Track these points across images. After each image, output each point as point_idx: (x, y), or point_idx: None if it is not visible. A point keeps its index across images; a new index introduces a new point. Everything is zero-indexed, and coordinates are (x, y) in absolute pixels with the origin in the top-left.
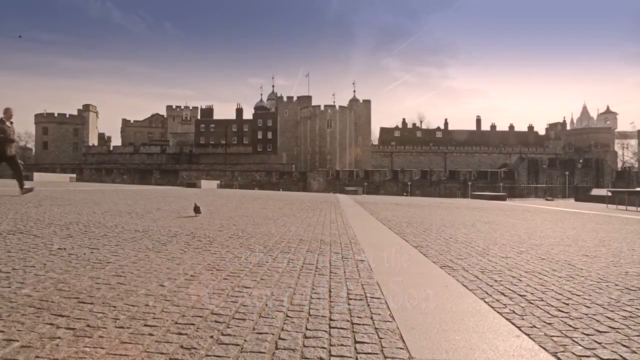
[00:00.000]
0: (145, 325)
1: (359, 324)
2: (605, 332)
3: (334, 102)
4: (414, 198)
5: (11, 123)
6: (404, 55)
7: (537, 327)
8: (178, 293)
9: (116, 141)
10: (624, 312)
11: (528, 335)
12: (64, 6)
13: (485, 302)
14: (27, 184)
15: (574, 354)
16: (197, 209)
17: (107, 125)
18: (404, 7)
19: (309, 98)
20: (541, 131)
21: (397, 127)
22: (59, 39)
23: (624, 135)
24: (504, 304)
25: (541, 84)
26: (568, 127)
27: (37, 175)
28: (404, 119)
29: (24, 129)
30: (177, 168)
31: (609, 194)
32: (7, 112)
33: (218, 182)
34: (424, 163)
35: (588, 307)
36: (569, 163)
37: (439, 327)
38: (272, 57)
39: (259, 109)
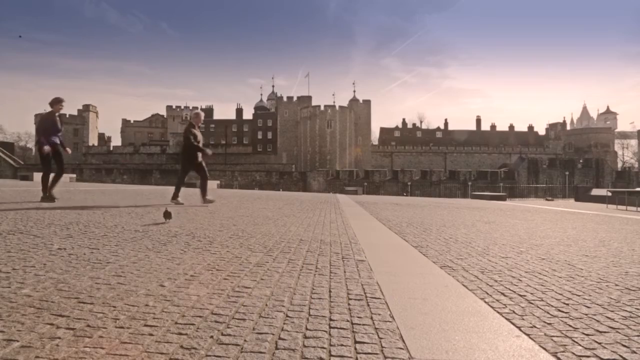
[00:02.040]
0: (145, 325)
1: (359, 324)
2: (605, 332)
3: (334, 102)
4: (414, 198)
5: (198, 128)
6: (404, 56)
7: (537, 327)
8: (178, 293)
9: (116, 141)
10: (624, 312)
11: (528, 335)
12: (59, 7)
13: (485, 302)
14: (28, 184)
15: (574, 354)
16: (167, 214)
17: (107, 125)
18: (404, 7)
19: (309, 98)
20: (541, 131)
21: (397, 127)
22: (58, 39)
23: (624, 135)
24: (504, 304)
25: (541, 84)
26: (568, 127)
27: (37, 176)
28: (404, 119)
29: (24, 129)
30: (177, 168)
31: (609, 194)
32: (198, 117)
33: (218, 182)
34: (424, 163)
35: (588, 307)
36: (569, 163)
37: (439, 327)
38: (272, 57)
39: (259, 109)
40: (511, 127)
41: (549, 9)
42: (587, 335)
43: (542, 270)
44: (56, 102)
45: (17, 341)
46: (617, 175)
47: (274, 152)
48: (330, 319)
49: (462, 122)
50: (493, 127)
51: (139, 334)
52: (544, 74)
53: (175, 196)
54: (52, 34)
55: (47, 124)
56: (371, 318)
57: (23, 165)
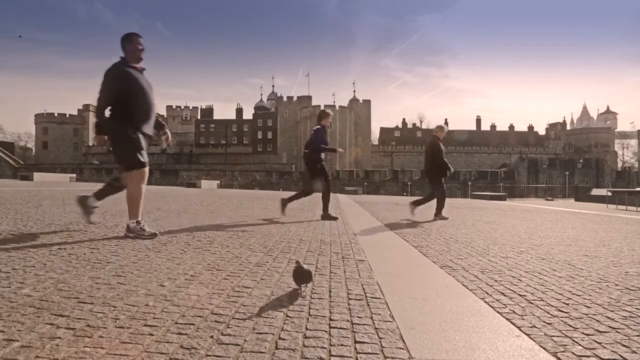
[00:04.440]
0: (145, 325)
1: (359, 324)
2: (605, 332)
3: (334, 102)
4: (414, 198)
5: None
6: (404, 56)
7: (537, 327)
8: (178, 293)
9: None
10: (624, 312)
11: (528, 335)
12: (56, 7)
13: (485, 302)
14: (28, 184)
15: (574, 354)
16: (303, 275)
17: None
18: (404, 7)
19: (309, 98)
20: (541, 131)
21: (397, 127)
22: (58, 39)
23: (624, 135)
24: (504, 304)
25: (541, 84)
26: (568, 127)
27: (37, 176)
28: (404, 119)
29: (24, 129)
30: (177, 168)
31: (609, 194)
32: (443, 130)
33: (218, 182)
34: (424, 163)
35: (588, 307)
36: (569, 163)
37: (439, 327)
38: (272, 57)
39: (259, 109)
40: (511, 127)
41: (549, 9)
42: (587, 335)
43: (542, 270)
44: (326, 116)
45: (17, 341)
46: (617, 175)
47: (274, 152)
48: (330, 319)
49: (462, 122)
50: (493, 127)
51: (139, 334)
52: (544, 74)
53: (439, 211)
54: (52, 34)
55: (323, 139)
56: (371, 318)
57: (23, 165)
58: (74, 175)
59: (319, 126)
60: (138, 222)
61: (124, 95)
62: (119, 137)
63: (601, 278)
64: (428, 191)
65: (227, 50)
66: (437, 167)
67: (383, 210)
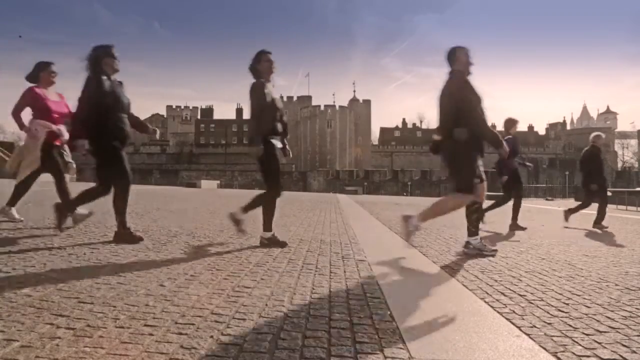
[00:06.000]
0: (145, 325)
1: (359, 324)
2: (605, 332)
3: (334, 102)
4: (414, 198)
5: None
6: (404, 56)
7: (537, 327)
8: (178, 293)
9: None
10: (624, 312)
11: (528, 335)
12: (53, 7)
13: (485, 302)
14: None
15: (574, 354)
16: None
17: None
18: (404, 7)
19: (309, 98)
20: (541, 131)
21: (397, 127)
22: (58, 39)
23: (624, 135)
24: (504, 304)
25: (541, 84)
26: (568, 127)
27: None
28: (404, 119)
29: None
30: (177, 168)
31: (609, 194)
32: (600, 139)
33: (218, 182)
34: (424, 163)
35: (588, 307)
36: (569, 163)
37: (439, 327)
38: (272, 57)
39: None
40: None
41: (549, 9)
42: (587, 335)
43: (542, 270)
44: (513, 124)
45: (17, 341)
46: (617, 175)
47: None
48: (330, 319)
49: None
50: (493, 127)
51: (139, 334)
52: (544, 74)
53: (599, 221)
54: (52, 34)
55: (517, 148)
56: (371, 318)
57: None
58: (74, 175)
59: (510, 135)
60: (481, 239)
61: (466, 112)
62: (462, 157)
63: (601, 278)
64: (598, 201)
65: (227, 50)
66: (600, 175)
67: (383, 210)
